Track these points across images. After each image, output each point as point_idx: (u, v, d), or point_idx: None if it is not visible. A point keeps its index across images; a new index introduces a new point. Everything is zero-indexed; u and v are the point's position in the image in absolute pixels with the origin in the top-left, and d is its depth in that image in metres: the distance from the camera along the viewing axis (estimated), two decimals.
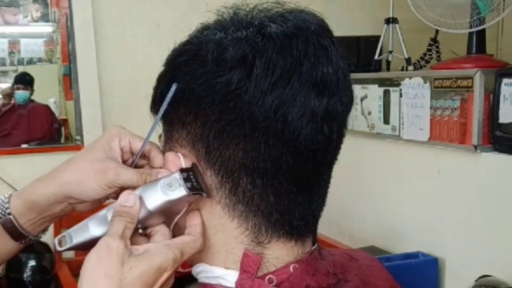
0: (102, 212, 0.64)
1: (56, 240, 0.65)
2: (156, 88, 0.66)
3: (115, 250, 0.57)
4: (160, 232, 0.63)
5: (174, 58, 0.64)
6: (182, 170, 0.62)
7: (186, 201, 0.63)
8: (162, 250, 0.59)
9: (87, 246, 0.62)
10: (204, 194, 0.62)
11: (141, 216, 0.62)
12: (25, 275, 2.32)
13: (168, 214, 0.64)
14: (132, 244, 0.60)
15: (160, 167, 0.66)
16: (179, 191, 0.61)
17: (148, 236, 0.64)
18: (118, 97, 2.69)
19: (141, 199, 0.62)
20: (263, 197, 0.62)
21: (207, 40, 0.61)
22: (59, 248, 0.65)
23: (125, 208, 0.61)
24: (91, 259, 0.57)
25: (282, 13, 0.62)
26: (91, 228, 0.64)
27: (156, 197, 0.62)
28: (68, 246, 0.64)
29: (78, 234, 0.64)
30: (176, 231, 0.65)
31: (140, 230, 0.63)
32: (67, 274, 2.30)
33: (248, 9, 0.63)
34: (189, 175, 0.61)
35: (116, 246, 0.57)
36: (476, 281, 1.63)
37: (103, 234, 0.61)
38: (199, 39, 0.62)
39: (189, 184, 0.61)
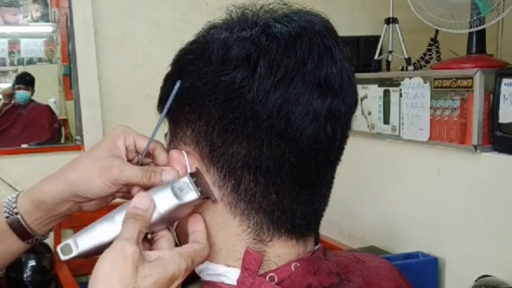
0: (110, 215, 0.62)
1: (59, 249, 0.61)
2: (162, 88, 0.67)
3: (130, 256, 0.56)
4: (165, 237, 0.63)
5: (181, 57, 0.65)
6: (191, 175, 0.62)
7: (194, 205, 0.63)
8: (176, 258, 0.59)
9: (94, 252, 0.60)
10: (213, 198, 0.62)
11: (152, 220, 0.61)
12: (25, 275, 2.32)
13: (174, 219, 0.64)
14: None
15: (165, 165, 0.66)
16: (191, 195, 0.61)
17: (150, 241, 0.63)
18: (118, 97, 2.69)
19: None
20: (265, 195, 0.62)
21: (213, 39, 0.62)
22: (63, 258, 0.61)
23: (140, 210, 0.60)
24: (105, 263, 0.56)
25: (288, 14, 0.63)
26: (98, 233, 0.61)
27: (168, 201, 0.61)
28: (74, 254, 0.61)
29: (84, 240, 0.61)
30: (179, 236, 0.65)
31: (149, 236, 0.62)
32: (67, 274, 2.30)
33: (255, 10, 0.64)
34: (198, 180, 0.61)
35: (132, 252, 0.56)
36: (476, 281, 1.63)
37: (112, 238, 0.59)
38: (205, 38, 0.63)
39: (200, 189, 0.61)
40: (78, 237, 0.61)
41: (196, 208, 0.64)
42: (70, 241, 0.61)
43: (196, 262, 0.61)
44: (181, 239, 0.68)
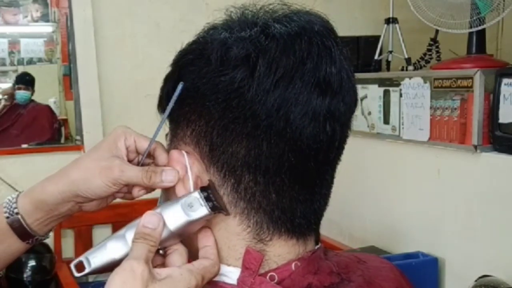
0: (120, 232, 0.63)
1: (72, 266, 0.62)
2: (162, 88, 0.67)
3: (140, 275, 0.56)
4: (177, 251, 0.63)
5: (181, 57, 0.65)
6: (201, 189, 0.61)
7: (205, 220, 0.63)
8: (185, 276, 0.59)
9: (106, 269, 0.60)
10: (224, 212, 0.62)
11: (162, 237, 0.61)
12: (25, 275, 2.32)
13: (186, 234, 0.64)
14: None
15: (165, 165, 0.66)
16: (201, 211, 0.61)
17: (163, 254, 0.63)
18: (118, 97, 2.69)
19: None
20: (265, 194, 0.62)
21: (213, 39, 0.62)
22: (76, 274, 0.62)
23: (148, 230, 0.60)
24: (115, 283, 0.56)
25: (287, 14, 0.63)
26: (110, 250, 0.62)
27: (177, 218, 0.61)
28: (87, 271, 0.62)
29: (96, 257, 0.62)
30: (186, 247, 0.65)
31: (161, 251, 0.63)
32: (67, 274, 2.30)
33: (255, 10, 0.64)
34: (209, 194, 0.61)
35: (141, 271, 0.56)
36: (476, 281, 1.63)
37: (122, 256, 0.60)
38: (205, 39, 0.63)
39: (210, 204, 0.61)
40: (90, 255, 0.62)
41: (207, 220, 0.64)
42: (82, 258, 0.62)
43: (206, 278, 0.61)
44: (189, 251, 0.68)
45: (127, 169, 0.66)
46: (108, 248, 0.62)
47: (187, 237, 0.66)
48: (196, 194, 0.61)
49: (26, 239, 0.74)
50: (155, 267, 0.59)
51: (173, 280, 0.58)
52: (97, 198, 0.69)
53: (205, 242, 0.64)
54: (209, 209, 0.61)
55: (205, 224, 0.65)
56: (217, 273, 0.63)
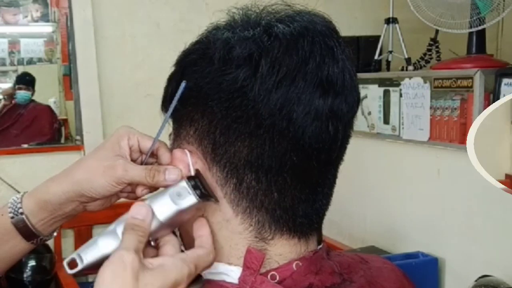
0: (110, 227, 0.62)
1: (65, 263, 0.62)
2: (166, 88, 0.67)
3: (129, 265, 0.56)
4: (170, 242, 0.63)
5: (184, 57, 0.65)
6: (189, 178, 0.62)
7: (195, 209, 0.63)
8: (178, 265, 0.58)
9: (99, 265, 0.60)
10: (213, 199, 0.62)
11: (152, 228, 0.61)
12: (25, 275, 2.32)
13: (177, 224, 0.64)
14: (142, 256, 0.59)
15: (168, 164, 0.66)
16: (189, 199, 0.61)
17: (156, 246, 0.63)
18: (118, 97, 2.69)
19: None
20: (267, 193, 0.62)
21: (215, 39, 0.62)
22: (69, 271, 0.62)
23: (137, 220, 0.60)
24: (105, 274, 0.56)
25: (290, 14, 0.64)
26: (101, 245, 0.61)
27: (166, 208, 0.61)
28: (79, 268, 0.61)
29: (88, 254, 0.62)
30: (183, 238, 0.65)
31: (152, 243, 0.62)
32: (67, 274, 2.30)
33: (258, 11, 0.65)
34: (196, 182, 0.61)
35: (131, 261, 0.56)
36: (476, 281, 1.63)
37: (114, 251, 0.59)
38: (208, 39, 0.64)
39: (198, 192, 0.61)
40: (82, 251, 0.62)
41: (198, 209, 0.64)
42: (75, 255, 0.62)
43: (200, 267, 0.61)
44: (185, 242, 0.68)
45: (131, 168, 0.66)
46: (99, 244, 0.62)
47: (183, 229, 0.66)
48: (184, 183, 0.62)
49: (31, 239, 0.74)
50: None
51: (164, 269, 0.58)
52: (101, 197, 0.69)
53: (200, 232, 0.64)
54: (197, 197, 0.61)
55: (208, 223, 0.65)
56: (211, 262, 0.63)
